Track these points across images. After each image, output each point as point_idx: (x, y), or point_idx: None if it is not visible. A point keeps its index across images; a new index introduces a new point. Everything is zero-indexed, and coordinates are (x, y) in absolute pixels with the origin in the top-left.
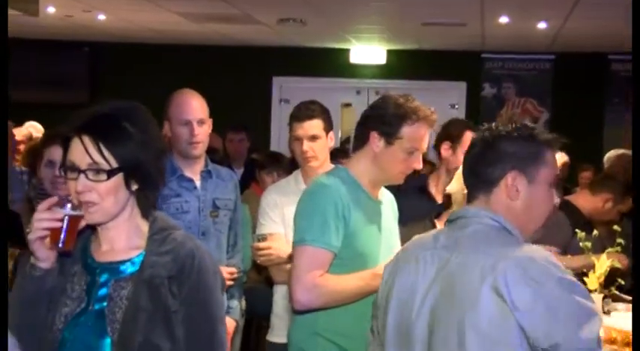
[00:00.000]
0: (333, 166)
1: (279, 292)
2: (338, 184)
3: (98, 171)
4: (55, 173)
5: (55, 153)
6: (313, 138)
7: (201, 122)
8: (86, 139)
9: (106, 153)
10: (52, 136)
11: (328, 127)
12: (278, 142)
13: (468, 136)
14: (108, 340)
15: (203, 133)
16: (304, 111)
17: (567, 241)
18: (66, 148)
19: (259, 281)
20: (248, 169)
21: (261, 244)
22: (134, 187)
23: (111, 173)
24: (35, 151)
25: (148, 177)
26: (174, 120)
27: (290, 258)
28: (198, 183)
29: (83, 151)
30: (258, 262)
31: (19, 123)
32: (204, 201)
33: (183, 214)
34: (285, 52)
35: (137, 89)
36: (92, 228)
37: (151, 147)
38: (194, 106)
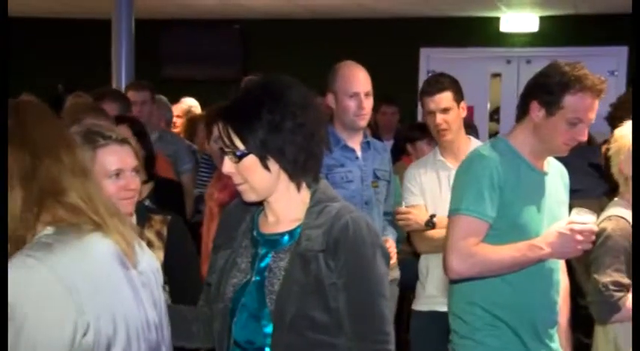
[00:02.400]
0: (467, 137)
1: (423, 262)
2: (495, 155)
3: (233, 153)
4: None
5: None
6: (445, 110)
7: (367, 94)
8: (222, 125)
9: (234, 137)
10: (215, 111)
11: (459, 98)
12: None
13: None
14: (267, 310)
15: (369, 105)
16: (434, 84)
17: None
18: None
19: (410, 253)
20: (397, 141)
21: (402, 209)
22: (273, 165)
23: (240, 156)
24: (193, 124)
25: (282, 154)
26: (341, 92)
27: (426, 224)
28: (359, 154)
29: (220, 135)
30: (401, 227)
31: (176, 99)
32: (366, 171)
33: (347, 184)
34: (432, 22)
35: (287, 64)
36: (260, 203)
37: (283, 125)
38: (361, 79)
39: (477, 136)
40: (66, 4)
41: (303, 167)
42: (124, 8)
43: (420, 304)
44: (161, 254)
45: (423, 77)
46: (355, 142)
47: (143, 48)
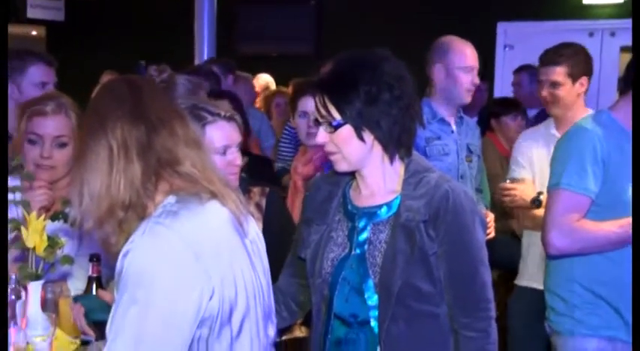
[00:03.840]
0: (587, 111)
1: (525, 238)
2: (597, 128)
3: (328, 123)
4: (309, 124)
5: (307, 104)
6: (554, 84)
7: (477, 70)
8: (318, 96)
9: (330, 108)
10: (301, 86)
11: (577, 72)
12: (501, 89)
13: None
14: (371, 282)
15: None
16: (548, 56)
17: None
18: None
19: (502, 231)
20: (482, 116)
21: (507, 185)
22: (368, 136)
23: (337, 126)
24: (269, 98)
25: (378, 125)
26: (453, 66)
27: (533, 202)
28: (454, 128)
29: (315, 106)
30: (504, 202)
31: (253, 75)
32: (461, 145)
33: (444, 156)
34: None
35: (362, 41)
36: (352, 175)
37: (380, 96)
38: (474, 54)
39: None
40: None
41: (397, 140)
42: None
43: (520, 280)
44: (260, 225)
45: (500, 52)
46: (451, 116)
47: (222, 25)
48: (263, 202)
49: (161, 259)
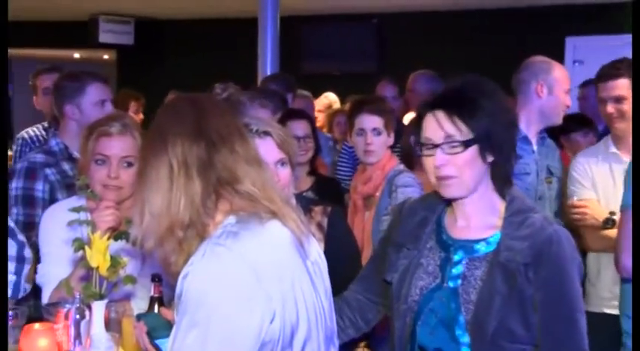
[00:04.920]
0: None
1: (593, 260)
2: None
3: (453, 143)
4: (367, 141)
5: (364, 121)
6: (618, 99)
7: None
8: (439, 114)
9: (460, 125)
10: (358, 104)
11: None
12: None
13: None
14: (462, 319)
15: None
16: (607, 70)
17: None
18: (419, 127)
19: None
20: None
21: (577, 202)
22: (489, 158)
23: (466, 144)
24: (331, 117)
25: (501, 148)
26: (555, 85)
27: (605, 223)
28: (535, 148)
29: (437, 126)
30: (574, 221)
31: (317, 94)
32: (541, 166)
33: (524, 176)
34: (579, 9)
35: (424, 59)
36: (447, 202)
37: (501, 118)
38: (569, 76)
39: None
40: (212, 6)
41: (510, 167)
42: (270, 7)
43: (591, 305)
44: (321, 246)
45: (569, 67)
46: (534, 136)
47: (285, 44)
48: (325, 222)
49: (221, 282)
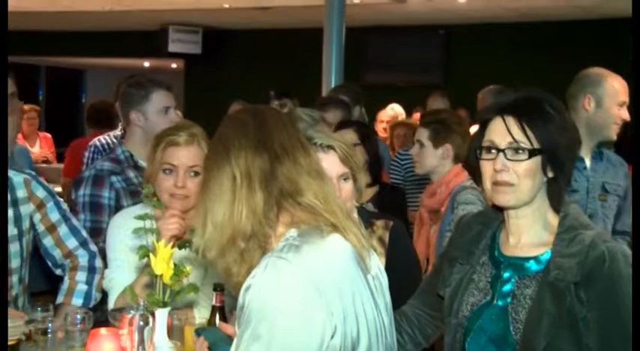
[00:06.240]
0: None
1: None
2: None
3: (518, 150)
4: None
5: (417, 133)
6: None
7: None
8: (509, 119)
9: (528, 132)
10: (426, 117)
11: None
12: None
13: None
14: (511, 339)
15: None
16: None
17: None
18: (483, 129)
19: None
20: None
21: None
22: (550, 173)
23: (532, 153)
24: (393, 129)
25: (562, 165)
26: (606, 98)
27: None
28: (588, 164)
29: (505, 130)
30: None
31: (380, 105)
32: (594, 183)
33: (571, 193)
34: None
35: (490, 70)
36: (503, 218)
37: (568, 133)
38: (625, 88)
39: None
40: (278, 16)
41: (566, 185)
42: (336, 17)
43: None
44: (382, 261)
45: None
46: (587, 152)
47: (350, 54)
48: (386, 237)
49: (283, 295)
